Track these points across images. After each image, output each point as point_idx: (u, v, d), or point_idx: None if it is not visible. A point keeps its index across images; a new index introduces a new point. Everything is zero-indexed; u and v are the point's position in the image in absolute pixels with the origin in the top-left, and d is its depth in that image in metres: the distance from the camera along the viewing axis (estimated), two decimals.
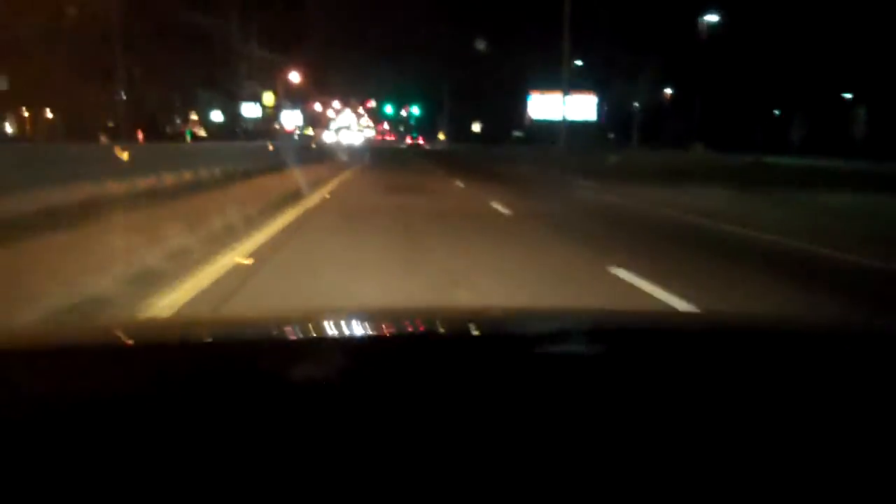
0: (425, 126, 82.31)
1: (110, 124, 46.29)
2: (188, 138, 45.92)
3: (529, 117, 57.84)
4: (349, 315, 1.43)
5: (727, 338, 1.17)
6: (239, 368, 0.93)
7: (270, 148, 25.54)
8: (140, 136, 39.70)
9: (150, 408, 0.77)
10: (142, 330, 1.38)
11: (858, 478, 0.65)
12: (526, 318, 1.44)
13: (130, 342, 1.12)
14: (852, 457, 0.69)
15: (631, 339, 1.15)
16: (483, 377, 0.88)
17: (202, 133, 52.94)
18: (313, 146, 40.24)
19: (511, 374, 0.90)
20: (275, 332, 1.25)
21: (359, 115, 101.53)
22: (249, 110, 67.56)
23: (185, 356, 1.00)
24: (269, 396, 0.81)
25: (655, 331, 1.26)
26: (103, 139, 29.42)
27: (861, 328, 1.42)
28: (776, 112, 52.32)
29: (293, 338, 1.19)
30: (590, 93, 58.85)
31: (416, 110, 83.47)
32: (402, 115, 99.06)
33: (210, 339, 1.17)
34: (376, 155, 38.86)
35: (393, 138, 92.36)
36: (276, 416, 0.76)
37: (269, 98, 74.37)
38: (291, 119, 78.40)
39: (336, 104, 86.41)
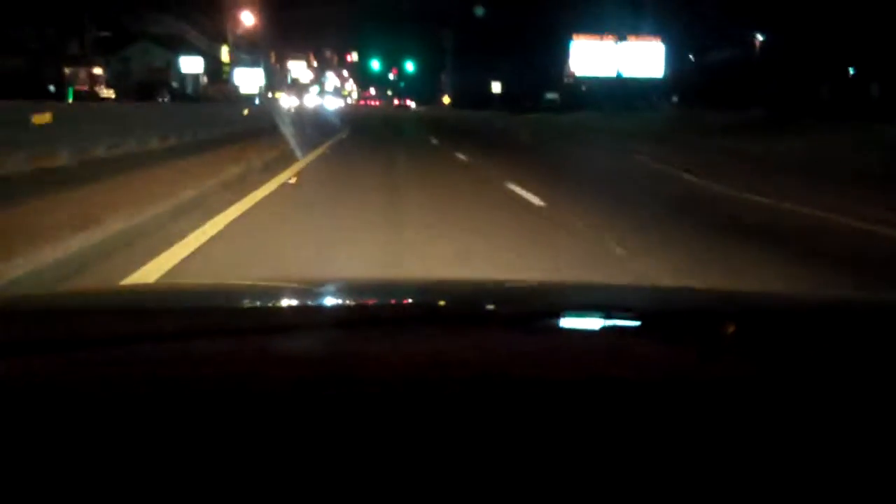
0: (423, 88, 66.20)
1: None
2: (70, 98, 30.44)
3: (572, 72, 42.94)
4: (340, 287, 1.46)
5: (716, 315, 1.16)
6: (224, 335, 0.93)
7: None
8: None
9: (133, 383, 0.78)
10: (126, 296, 1.39)
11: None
12: (530, 292, 1.45)
13: (113, 307, 1.13)
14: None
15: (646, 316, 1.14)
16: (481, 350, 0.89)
17: (106, 93, 37.59)
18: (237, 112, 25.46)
19: (512, 347, 0.91)
20: (274, 303, 1.23)
21: (342, 79, 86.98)
22: (189, 65, 52.27)
23: (169, 323, 1.00)
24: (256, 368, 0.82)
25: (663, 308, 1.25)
26: None
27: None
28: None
29: (289, 308, 1.20)
30: (654, 38, 43.73)
31: (409, 66, 67.40)
32: (391, 79, 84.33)
33: (197, 306, 1.17)
34: (345, 129, 25.48)
35: (377, 104, 77.50)
36: (265, 386, 0.77)
37: (224, 52, 59.55)
38: (249, 79, 62.65)
39: (303, 70, 71.74)
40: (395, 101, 77.51)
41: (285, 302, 1.25)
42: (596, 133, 23.10)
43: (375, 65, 69.66)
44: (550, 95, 47.30)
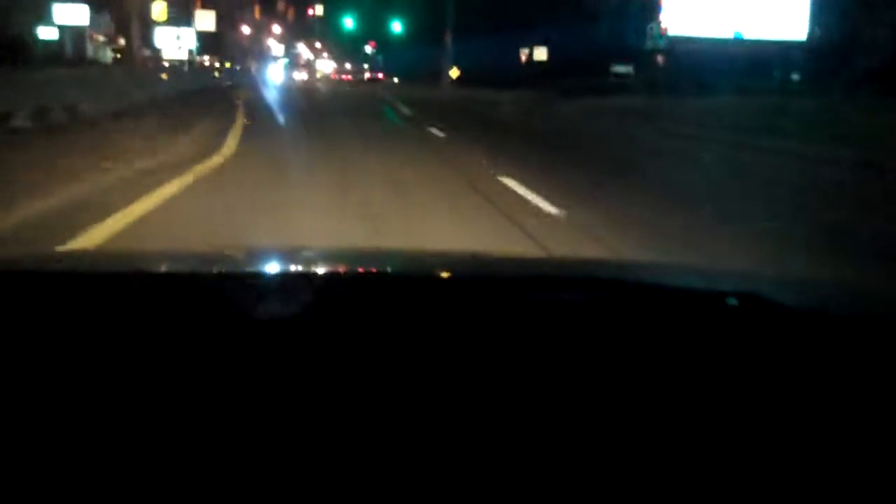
0: (416, 57, 48.75)
1: None
2: None
3: (664, 29, 26.92)
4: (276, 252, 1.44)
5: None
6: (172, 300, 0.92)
7: None
8: None
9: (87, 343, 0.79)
10: (78, 261, 1.35)
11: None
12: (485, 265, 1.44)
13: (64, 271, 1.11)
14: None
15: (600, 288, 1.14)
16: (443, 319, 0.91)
17: None
18: None
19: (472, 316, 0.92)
20: (231, 267, 1.21)
21: (314, 50, 71.90)
22: (67, 15, 35.76)
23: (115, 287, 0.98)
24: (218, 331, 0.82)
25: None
26: None
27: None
28: None
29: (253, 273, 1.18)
30: None
31: (396, 27, 50.06)
32: (368, 52, 68.88)
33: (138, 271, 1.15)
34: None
35: (348, 79, 64.70)
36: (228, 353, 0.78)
37: (158, 8, 43.06)
38: (175, 40, 46.11)
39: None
40: (367, 75, 67.98)
41: (237, 268, 1.20)
42: None
43: (349, 22, 52.32)
44: (620, 68, 31.41)
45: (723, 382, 0.77)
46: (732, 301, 1.03)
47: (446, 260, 1.49)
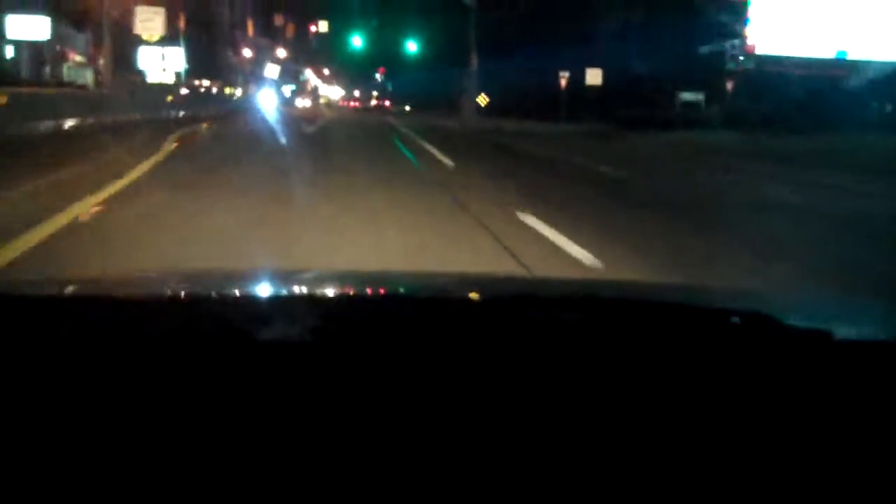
0: (433, 83, 42.96)
1: None
2: None
3: (751, 47, 21.44)
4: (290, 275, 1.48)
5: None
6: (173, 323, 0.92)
7: None
8: None
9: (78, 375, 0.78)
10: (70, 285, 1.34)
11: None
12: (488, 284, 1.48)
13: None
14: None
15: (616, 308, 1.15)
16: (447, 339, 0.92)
17: None
18: None
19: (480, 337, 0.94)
20: (232, 290, 1.21)
21: (322, 76, 67.70)
22: (23, 28, 30.80)
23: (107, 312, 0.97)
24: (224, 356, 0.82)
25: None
26: None
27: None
28: None
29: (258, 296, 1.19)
30: None
31: (411, 46, 44.32)
32: (378, 79, 65.06)
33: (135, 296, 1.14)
34: None
35: (356, 105, 61.90)
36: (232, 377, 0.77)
37: (156, 23, 37.30)
38: (161, 61, 41.64)
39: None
40: (374, 102, 67.45)
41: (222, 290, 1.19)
42: None
43: (357, 41, 46.57)
44: (688, 96, 25.92)
45: (725, 401, 0.78)
46: (736, 320, 1.03)
47: (446, 281, 1.49)
